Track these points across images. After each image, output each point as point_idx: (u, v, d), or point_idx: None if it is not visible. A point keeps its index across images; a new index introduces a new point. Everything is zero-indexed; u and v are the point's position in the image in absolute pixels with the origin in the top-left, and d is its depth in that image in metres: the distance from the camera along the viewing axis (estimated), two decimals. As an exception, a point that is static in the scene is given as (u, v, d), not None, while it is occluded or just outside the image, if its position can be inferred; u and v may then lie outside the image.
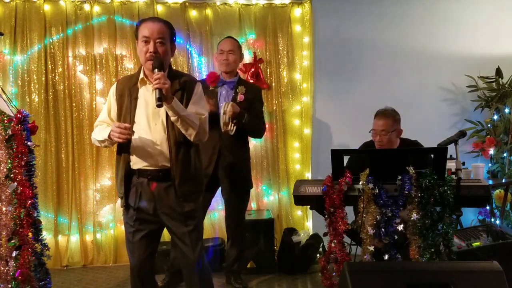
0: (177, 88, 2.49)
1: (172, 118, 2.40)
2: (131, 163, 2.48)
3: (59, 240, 4.38)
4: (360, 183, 2.70)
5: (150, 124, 2.46)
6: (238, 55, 3.66)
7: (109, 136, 2.42)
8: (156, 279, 3.49)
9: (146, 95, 2.48)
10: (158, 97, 2.29)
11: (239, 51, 3.68)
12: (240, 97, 3.55)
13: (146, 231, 2.52)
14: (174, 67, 3.17)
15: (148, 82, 2.48)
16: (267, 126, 4.57)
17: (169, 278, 3.69)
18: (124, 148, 2.48)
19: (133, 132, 2.45)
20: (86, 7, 4.37)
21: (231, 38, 3.74)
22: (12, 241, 2.51)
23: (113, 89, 2.58)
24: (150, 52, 2.40)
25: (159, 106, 2.31)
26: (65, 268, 4.33)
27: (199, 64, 4.52)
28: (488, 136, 4.46)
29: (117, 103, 2.53)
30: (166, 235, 3.48)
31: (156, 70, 2.35)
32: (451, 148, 2.75)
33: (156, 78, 2.30)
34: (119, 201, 4.37)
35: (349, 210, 2.83)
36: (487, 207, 4.23)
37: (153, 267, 2.66)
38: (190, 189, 2.51)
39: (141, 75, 2.51)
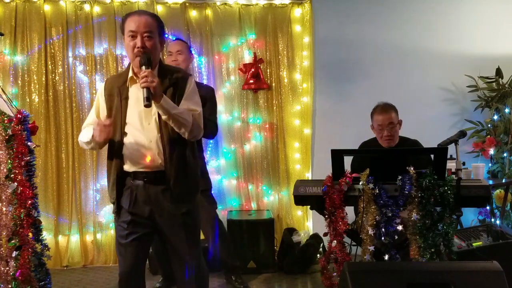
0: (168, 84, 2.35)
1: (163, 117, 2.28)
2: (124, 166, 2.38)
3: (59, 240, 4.38)
4: (360, 183, 2.71)
5: (143, 124, 2.34)
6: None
7: (93, 136, 2.31)
8: (154, 279, 3.46)
9: (137, 94, 2.32)
10: (146, 97, 2.18)
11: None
12: None
13: (139, 234, 2.40)
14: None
15: (137, 80, 2.29)
16: (267, 126, 4.58)
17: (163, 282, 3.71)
18: (116, 151, 2.37)
19: (126, 133, 2.35)
20: (86, 7, 4.37)
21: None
22: (12, 241, 2.51)
23: (101, 89, 2.47)
24: (138, 48, 2.28)
25: (147, 106, 2.20)
26: (65, 268, 4.33)
27: (199, 64, 4.52)
28: (488, 136, 4.46)
29: (106, 103, 2.41)
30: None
31: (143, 67, 2.23)
32: (451, 148, 2.76)
33: (143, 76, 2.19)
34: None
35: (349, 210, 2.83)
36: (487, 207, 4.23)
37: (144, 276, 2.52)
38: (185, 189, 2.39)
39: (130, 74, 2.38)
